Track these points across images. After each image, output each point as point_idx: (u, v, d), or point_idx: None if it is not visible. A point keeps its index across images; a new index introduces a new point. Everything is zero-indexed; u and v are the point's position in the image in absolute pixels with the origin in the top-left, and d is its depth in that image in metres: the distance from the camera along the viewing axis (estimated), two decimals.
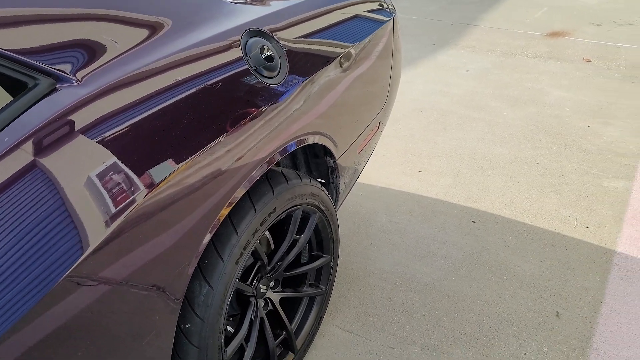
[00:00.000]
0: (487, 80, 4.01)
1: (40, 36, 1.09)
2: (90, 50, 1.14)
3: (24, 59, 1.04)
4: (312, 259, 1.87)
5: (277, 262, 1.69)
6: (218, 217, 1.32)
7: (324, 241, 1.87)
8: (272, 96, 1.43)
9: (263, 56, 1.44)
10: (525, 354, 1.92)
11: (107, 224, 1.03)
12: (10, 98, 1.02)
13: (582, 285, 2.18)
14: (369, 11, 1.95)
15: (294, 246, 1.72)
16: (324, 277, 1.92)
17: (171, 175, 1.15)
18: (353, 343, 1.98)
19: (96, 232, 1.02)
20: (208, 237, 1.31)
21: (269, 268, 1.66)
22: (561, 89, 3.82)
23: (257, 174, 1.41)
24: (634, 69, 4.19)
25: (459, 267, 2.30)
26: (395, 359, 1.91)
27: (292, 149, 1.54)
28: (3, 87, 1.02)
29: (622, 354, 1.90)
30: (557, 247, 2.38)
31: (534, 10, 5.55)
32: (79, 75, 1.09)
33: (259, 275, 1.66)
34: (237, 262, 1.44)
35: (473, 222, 2.55)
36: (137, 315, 1.20)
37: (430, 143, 3.19)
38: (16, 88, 1.03)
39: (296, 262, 1.84)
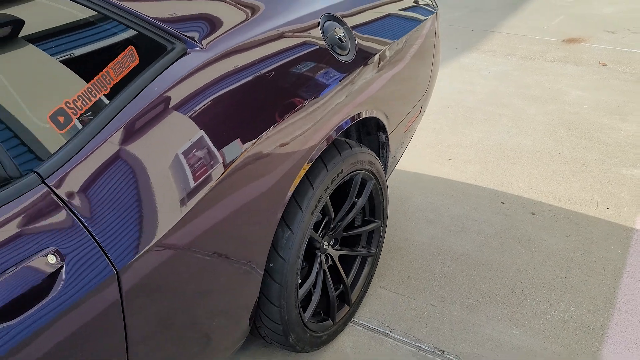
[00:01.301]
0: (509, 81, 4.24)
1: (176, 9, 1.34)
2: (210, 23, 1.39)
3: (165, 26, 1.29)
4: (364, 223, 2.10)
5: (337, 222, 1.93)
6: (298, 174, 1.56)
7: (376, 208, 2.10)
8: (344, 71, 1.67)
9: (337, 37, 1.69)
10: (554, 312, 2.13)
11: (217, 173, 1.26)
12: (155, 57, 1.27)
13: (605, 257, 2.40)
14: (417, 6, 2.20)
15: (353, 208, 1.96)
16: (375, 240, 2.15)
17: (264, 135, 1.39)
18: (399, 301, 2.20)
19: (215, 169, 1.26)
20: (289, 194, 1.56)
21: (332, 225, 1.90)
22: (579, 90, 4.05)
23: (329, 140, 1.65)
24: None
25: (491, 240, 2.52)
26: (437, 315, 2.14)
27: (356, 120, 1.78)
28: (149, 48, 1.27)
29: None
30: (581, 225, 2.60)
31: (551, 18, 5.79)
32: (204, 42, 1.34)
33: (323, 232, 1.89)
34: (312, 213, 1.68)
35: (502, 203, 2.78)
36: (236, 256, 1.44)
37: (459, 135, 3.43)
38: (158, 49, 1.28)
39: (352, 225, 2.07)
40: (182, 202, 1.20)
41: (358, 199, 1.97)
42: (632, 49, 4.94)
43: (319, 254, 1.88)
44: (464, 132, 3.46)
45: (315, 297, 1.87)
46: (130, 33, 1.24)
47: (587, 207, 2.72)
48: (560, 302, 2.18)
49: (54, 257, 0.99)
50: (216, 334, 1.50)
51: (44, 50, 1.14)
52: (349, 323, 2.11)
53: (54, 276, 0.99)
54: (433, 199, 2.83)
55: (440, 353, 1.98)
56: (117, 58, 1.17)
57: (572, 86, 4.12)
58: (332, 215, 1.83)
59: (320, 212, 1.84)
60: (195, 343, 1.41)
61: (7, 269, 0.95)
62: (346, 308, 2.05)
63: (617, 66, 4.54)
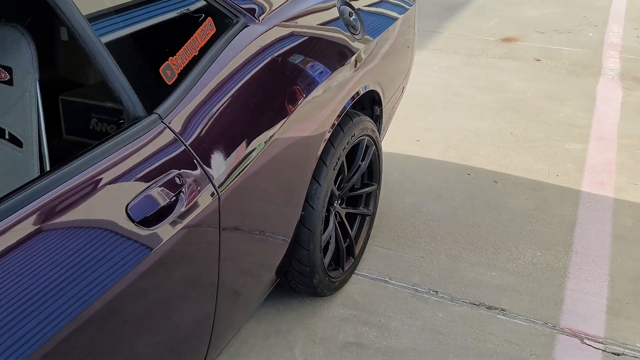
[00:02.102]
0: (458, 74, 4.68)
1: None
2: (264, 2, 1.66)
3: (233, 3, 1.55)
4: (363, 186, 2.40)
5: (345, 183, 2.22)
6: (329, 128, 1.85)
7: (373, 172, 2.41)
8: (357, 46, 1.98)
9: (351, 18, 1.99)
10: (524, 257, 2.51)
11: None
12: (225, 28, 1.52)
13: (560, 213, 2.81)
14: None
15: (358, 170, 2.26)
16: (371, 201, 2.45)
17: (311, 94, 1.67)
18: (392, 256, 2.52)
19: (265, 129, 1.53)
20: (319, 153, 1.84)
21: (342, 185, 2.19)
22: (520, 80, 4.54)
23: (348, 104, 1.95)
24: (576, 66, 4.97)
25: (464, 204, 2.88)
26: (427, 264, 2.47)
27: (366, 90, 2.09)
28: (220, 20, 1.52)
29: (595, 253, 2.52)
30: (536, 189, 3.01)
31: (487, 21, 6.34)
32: (260, 18, 1.61)
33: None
34: (334, 169, 1.97)
35: (468, 174, 3.16)
36: (283, 203, 1.71)
37: (422, 120, 3.80)
38: (226, 21, 1.54)
39: (354, 189, 2.37)
40: (256, 141, 1.46)
41: (362, 162, 2.27)
42: (559, 46, 5.52)
43: (332, 210, 2.16)
44: (426, 118, 3.84)
45: (331, 246, 2.15)
46: (207, 7, 1.49)
47: (540, 175, 3.15)
48: (527, 249, 2.56)
49: (179, 180, 1.24)
50: (252, 282, 1.75)
51: (148, 20, 1.38)
52: (353, 275, 2.40)
53: (177, 195, 1.23)
54: (408, 174, 3.17)
55: (434, 293, 2.31)
56: (201, 27, 1.42)
57: (514, 78, 4.61)
58: (346, 172, 2.13)
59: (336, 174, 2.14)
60: (247, 272, 1.66)
61: (148, 186, 1.18)
62: (351, 260, 2.34)
63: (549, 61, 5.08)
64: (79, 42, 1.16)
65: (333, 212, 2.17)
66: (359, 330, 2.14)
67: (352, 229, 2.37)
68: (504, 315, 2.21)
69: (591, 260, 2.49)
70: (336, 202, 2.20)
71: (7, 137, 1.43)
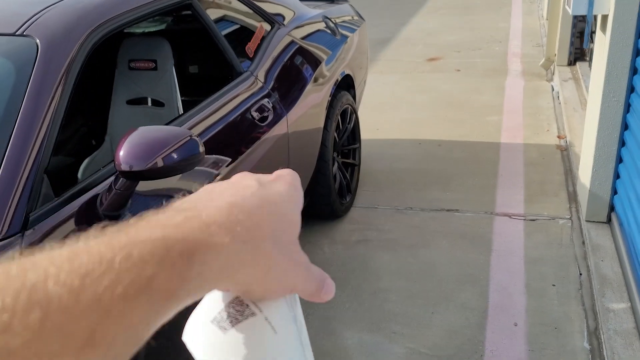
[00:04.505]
0: (399, 86, 5.87)
1: (270, 8, 2.66)
2: (283, 15, 2.72)
3: (272, 16, 2.61)
4: (349, 144, 3.45)
5: (340, 139, 3.26)
6: (329, 96, 2.91)
7: (355, 134, 3.47)
8: (339, 45, 3.07)
9: (332, 27, 3.09)
10: (467, 182, 3.59)
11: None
12: (270, 29, 2.57)
13: (487, 157, 3.93)
14: (357, 15, 3.67)
15: (346, 130, 3.31)
16: (357, 156, 3.50)
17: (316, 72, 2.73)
18: (376, 194, 3.55)
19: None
20: (325, 111, 2.89)
21: (339, 140, 3.23)
22: (447, 84, 5.76)
23: (338, 80, 3.02)
24: (487, 71, 6.26)
25: (420, 160, 3.97)
26: (401, 196, 3.51)
27: (345, 73, 3.17)
28: (267, 24, 2.56)
29: (514, 174, 3.64)
30: (469, 146, 4.13)
31: (413, 47, 7.66)
32: (285, 23, 2.67)
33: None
34: (334, 121, 3.01)
35: (419, 144, 4.26)
36: (311, 139, 2.73)
37: (377, 118, 4.92)
38: (270, 25, 2.58)
39: (344, 146, 3.41)
40: (297, 91, 2.49)
41: (348, 125, 3.32)
42: (473, 59, 6.85)
43: (335, 157, 3.19)
44: (380, 116, 4.96)
45: (337, 178, 3.17)
46: (260, 18, 2.54)
47: (470, 137, 4.28)
48: (468, 178, 3.65)
49: (267, 105, 2.25)
50: None
51: (238, 23, 2.42)
52: (351, 207, 3.41)
53: (268, 112, 2.24)
54: (376, 149, 4.25)
55: (410, 209, 3.35)
56: (258, 27, 2.47)
57: (442, 84, 5.83)
58: (341, 127, 3.18)
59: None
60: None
61: (253, 106, 2.19)
62: (349, 195, 3.36)
63: (467, 70, 6.36)
64: (210, 34, 2.17)
65: (335, 159, 3.19)
66: (364, 233, 3.14)
67: (347, 173, 3.39)
68: (458, 213, 3.27)
69: (511, 178, 3.60)
70: (335, 153, 3.23)
71: (149, 103, 2.41)
